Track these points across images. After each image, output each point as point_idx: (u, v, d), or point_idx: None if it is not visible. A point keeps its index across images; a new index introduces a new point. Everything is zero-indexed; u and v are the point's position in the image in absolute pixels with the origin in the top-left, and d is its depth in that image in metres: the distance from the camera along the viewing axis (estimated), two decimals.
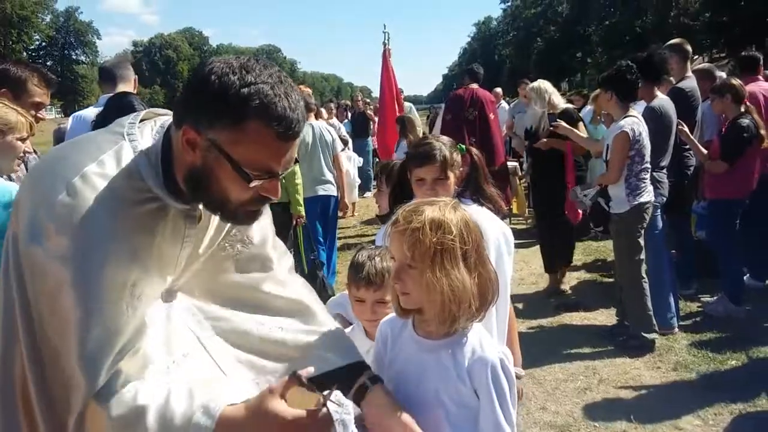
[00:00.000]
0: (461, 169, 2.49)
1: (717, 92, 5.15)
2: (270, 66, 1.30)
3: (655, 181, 4.72)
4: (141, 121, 1.45)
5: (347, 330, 2.18)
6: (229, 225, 1.55)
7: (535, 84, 6.10)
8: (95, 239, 1.28)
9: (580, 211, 5.71)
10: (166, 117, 1.47)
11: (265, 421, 1.28)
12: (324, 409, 1.31)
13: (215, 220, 1.50)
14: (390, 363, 1.68)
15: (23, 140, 2.64)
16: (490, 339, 1.62)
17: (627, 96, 4.65)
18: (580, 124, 5.79)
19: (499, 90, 12.21)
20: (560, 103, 5.98)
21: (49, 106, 4.41)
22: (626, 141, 4.47)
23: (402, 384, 1.59)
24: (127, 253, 1.32)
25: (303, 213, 5.74)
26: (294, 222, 5.73)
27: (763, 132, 5.02)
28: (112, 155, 1.35)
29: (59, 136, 4.37)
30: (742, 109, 5.06)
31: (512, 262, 2.51)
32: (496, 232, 2.43)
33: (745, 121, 4.99)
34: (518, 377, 2.50)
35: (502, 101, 11.15)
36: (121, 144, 1.37)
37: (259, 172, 1.29)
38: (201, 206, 1.42)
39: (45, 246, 1.27)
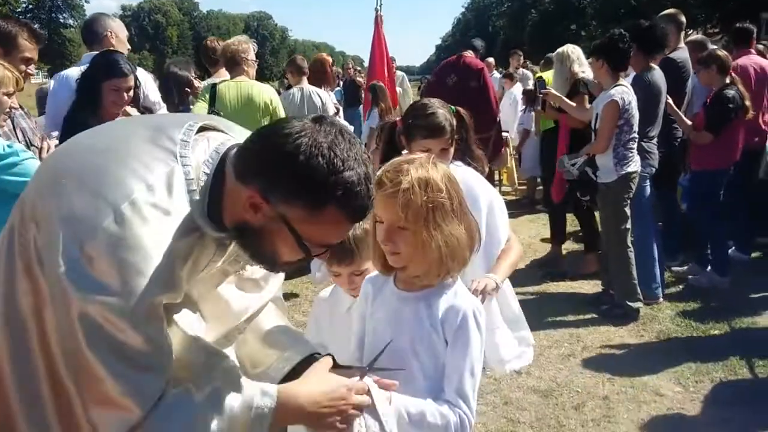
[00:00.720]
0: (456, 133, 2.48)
1: (703, 63, 5.12)
2: (354, 143, 1.26)
3: (643, 152, 4.72)
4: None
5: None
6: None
7: (561, 48, 5.83)
8: (140, 272, 1.20)
9: (561, 189, 5.69)
10: (220, 137, 1.39)
11: (321, 390, 1.40)
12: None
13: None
14: (370, 317, 1.71)
15: (9, 95, 2.60)
16: (465, 290, 1.66)
17: (618, 65, 4.62)
18: (585, 96, 5.63)
19: (491, 60, 12.11)
20: (580, 72, 5.63)
21: (36, 70, 4.34)
22: (615, 110, 4.46)
23: (379, 336, 1.62)
24: (167, 285, 1.26)
25: None
26: None
27: (748, 103, 5.01)
28: (162, 180, 1.26)
29: (41, 96, 4.29)
30: (728, 81, 5.05)
31: (506, 217, 2.50)
32: (486, 191, 2.45)
33: (731, 92, 4.97)
34: (494, 280, 2.38)
35: (495, 71, 11.05)
36: (172, 168, 1.28)
37: (320, 249, 1.31)
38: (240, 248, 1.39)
39: (86, 274, 1.18)
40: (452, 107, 2.53)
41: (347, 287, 2.09)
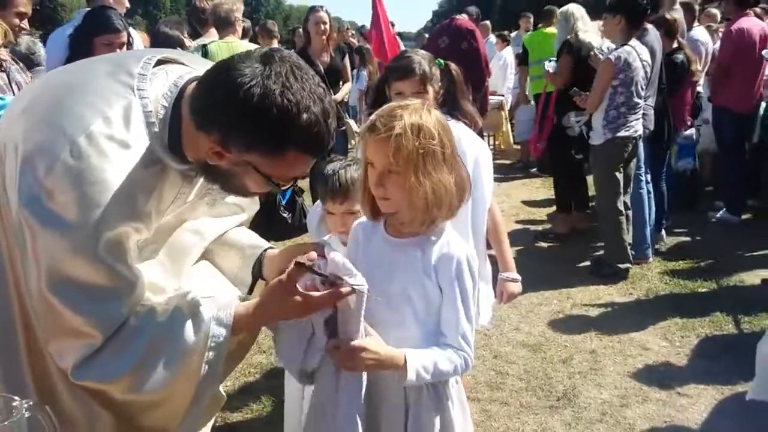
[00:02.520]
0: (440, 84, 2.49)
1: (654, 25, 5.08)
2: (306, 80, 1.27)
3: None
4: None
5: (326, 237, 2.25)
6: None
7: (565, 6, 5.74)
8: (100, 205, 1.24)
9: (539, 146, 5.76)
10: (180, 70, 1.41)
11: (284, 304, 1.43)
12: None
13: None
14: (360, 263, 1.70)
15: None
16: (458, 238, 1.66)
17: (636, 22, 4.56)
18: (569, 59, 5.57)
19: (487, 23, 11.99)
20: (585, 33, 5.48)
21: (28, 35, 4.29)
22: (609, 68, 4.45)
23: (371, 282, 1.62)
24: (130, 216, 1.30)
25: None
26: None
27: (694, 67, 5.12)
28: (120, 113, 1.29)
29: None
30: (675, 45, 5.11)
31: (491, 176, 2.55)
32: (474, 146, 2.47)
33: (679, 57, 5.08)
34: (514, 281, 2.61)
35: (491, 35, 10.91)
36: (130, 101, 1.30)
37: (286, 183, 1.37)
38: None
39: (45, 208, 1.22)
40: (440, 61, 2.55)
41: (339, 228, 2.13)
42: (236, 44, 4.71)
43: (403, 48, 11.51)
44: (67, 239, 1.23)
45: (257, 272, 1.72)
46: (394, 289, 1.59)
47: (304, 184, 7.71)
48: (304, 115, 1.24)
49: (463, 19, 6.53)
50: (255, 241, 1.78)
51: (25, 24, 2.91)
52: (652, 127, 4.88)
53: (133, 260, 1.34)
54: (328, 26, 5.27)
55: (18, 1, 2.86)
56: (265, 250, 1.74)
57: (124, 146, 1.27)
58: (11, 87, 2.87)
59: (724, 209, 5.84)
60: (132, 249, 1.33)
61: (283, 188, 1.38)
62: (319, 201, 2.64)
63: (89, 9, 3.65)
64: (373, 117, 1.55)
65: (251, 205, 1.84)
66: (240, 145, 1.26)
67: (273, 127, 1.23)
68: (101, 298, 1.28)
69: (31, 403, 1.11)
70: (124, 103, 1.29)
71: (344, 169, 2.10)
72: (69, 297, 1.26)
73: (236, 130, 1.24)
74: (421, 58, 2.44)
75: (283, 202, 5.39)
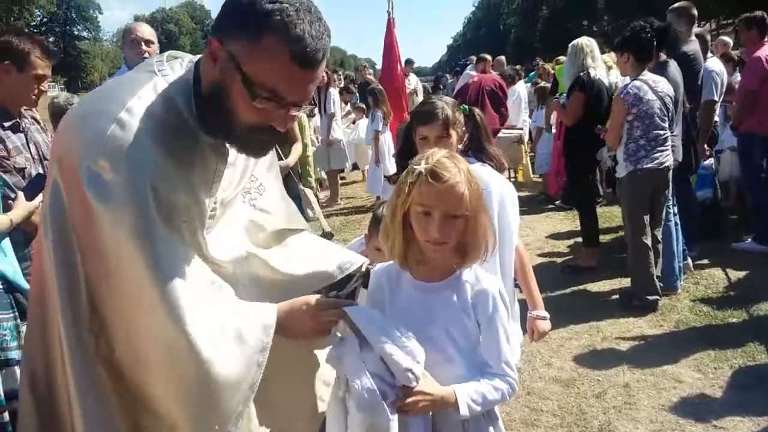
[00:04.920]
0: (463, 128, 2.58)
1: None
2: (313, 10, 1.30)
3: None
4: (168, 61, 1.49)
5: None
6: (251, 168, 1.66)
7: (576, 40, 5.84)
8: (147, 170, 1.32)
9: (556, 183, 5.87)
10: (194, 57, 1.52)
11: (299, 312, 1.56)
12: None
13: (239, 161, 1.59)
14: (393, 309, 1.74)
15: None
16: (483, 271, 1.73)
17: (643, 57, 4.66)
18: (581, 96, 5.66)
19: (502, 58, 12.18)
20: (594, 66, 5.59)
21: (53, 83, 4.38)
22: (618, 105, 4.58)
23: (410, 327, 1.66)
24: (179, 180, 1.38)
25: (313, 185, 5.84)
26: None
27: None
28: (150, 89, 1.39)
29: (55, 111, 4.26)
30: None
31: (517, 214, 2.62)
32: (499, 186, 2.55)
33: None
34: (543, 318, 2.66)
35: (519, 83, 10.45)
36: (154, 80, 1.41)
37: (267, 93, 1.30)
38: (221, 136, 1.45)
39: (104, 183, 1.30)
40: (464, 106, 2.65)
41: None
42: None
43: (411, 78, 11.84)
44: (123, 209, 1.31)
45: None
46: (436, 332, 1.65)
47: (334, 222, 7.88)
48: (289, 6, 1.26)
49: (487, 77, 6.91)
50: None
51: (45, 86, 2.95)
52: (680, 159, 4.92)
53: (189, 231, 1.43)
54: None
55: (36, 64, 2.88)
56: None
57: (158, 117, 1.36)
58: (29, 147, 2.89)
59: (751, 238, 5.82)
60: (186, 219, 1.41)
61: (260, 99, 1.30)
62: (357, 239, 2.72)
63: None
64: (425, 166, 1.60)
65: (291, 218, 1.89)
66: (228, 34, 1.30)
67: (255, 10, 1.26)
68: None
69: None
70: (150, 82, 1.41)
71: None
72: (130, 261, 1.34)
73: (227, 18, 1.31)
74: (444, 104, 2.53)
75: None
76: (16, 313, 2.48)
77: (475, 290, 1.68)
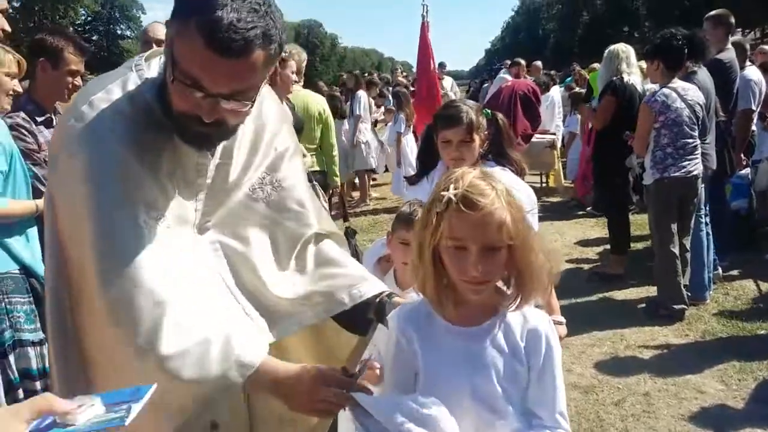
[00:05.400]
0: (486, 132, 2.60)
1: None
2: None
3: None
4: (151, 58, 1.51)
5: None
6: (257, 164, 1.60)
7: (613, 46, 5.80)
8: (101, 158, 1.35)
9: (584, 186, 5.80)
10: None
11: (300, 387, 1.36)
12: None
13: (240, 154, 1.56)
14: (425, 362, 1.44)
15: (11, 77, 2.68)
16: (529, 306, 1.45)
17: (673, 65, 4.62)
18: (612, 99, 5.61)
19: (539, 63, 12.11)
20: (629, 72, 5.56)
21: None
22: (645, 112, 4.55)
23: (450, 383, 1.40)
24: (136, 171, 1.37)
25: (338, 183, 5.91)
26: (330, 191, 5.91)
27: None
28: (118, 84, 1.42)
29: None
30: None
31: (536, 222, 2.62)
32: (518, 191, 2.55)
33: None
34: (560, 323, 2.65)
35: (554, 89, 10.44)
36: (128, 75, 1.44)
37: (188, 80, 1.27)
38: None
39: (58, 170, 1.41)
40: (487, 111, 2.66)
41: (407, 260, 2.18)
42: (302, 94, 4.97)
43: (448, 81, 11.87)
44: (76, 193, 1.35)
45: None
46: (487, 387, 1.38)
47: (362, 222, 7.96)
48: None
49: (520, 82, 6.93)
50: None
51: (78, 81, 3.03)
52: (713, 167, 4.86)
53: (149, 226, 1.39)
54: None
55: (70, 60, 2.96)
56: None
57: (120, 110, 1.39)
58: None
59: None
60: (145, 213, 1.39)
61: (178, 82, 1.28)
62: (378, 240, 2.74)
63: None
64: (454, 191, 1.33)
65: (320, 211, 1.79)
66: (174, 13, 1.29)
67: None
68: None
69: None
70: (122, 77, 1.43)
71: (422, 205, 2.21)
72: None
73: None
74: (468, 108, 2.55)
75: None
76: (31, 298, 2.59)
77: (525, 331, 1.42)
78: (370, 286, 1.66)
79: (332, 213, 5.80)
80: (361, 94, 9.50)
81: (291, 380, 1.38)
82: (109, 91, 1.41)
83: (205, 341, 1.35)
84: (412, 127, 8.47)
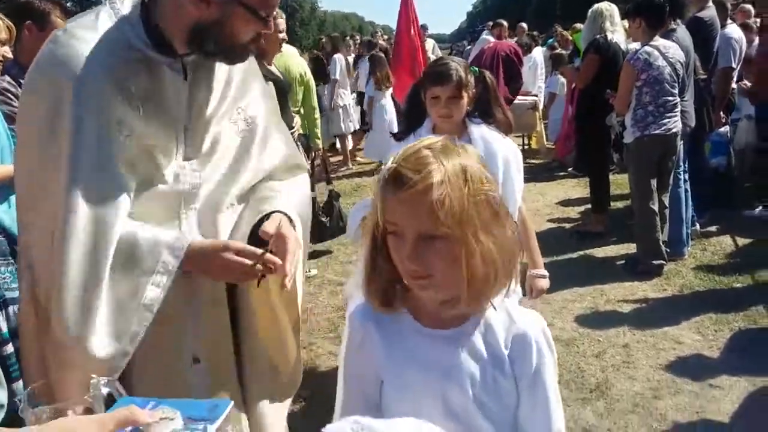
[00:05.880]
0: (473, 90, 2.60)
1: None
2: None
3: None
4: None
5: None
6: (229, 96, 1.66)
7: (597, 5, 5.78)
8: (80, 75, 1.41)
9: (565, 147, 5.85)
10: None
11: (216, 255, 1.50)
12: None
13: (215, 82, 1.62)
14: (384, 363, 1.23)
15: (1, 43, 2.65)
16: (516, 306, 1.26)
17: (655, 23, 4.62)
18: (595, 58, 5.62)
19: (523, 24, 12.03)
20: (612, 30, 5.56)
21: None
22: (627, 70, 4.58)
23: (418, 394, 1.20)
24: (109, 91, 1.44)
25: (320, 146, 5.92)
26: (312, 154, 5.90)
27: None
28: (92, 16, 1.50)
29: None
30: None
31: (521, 180, 2.65)
32: (504, 149, 2.57)
33: None
34: (543, 277, 2.70)
35: (536, 50, 10.57)
36: (100, 8, 1.52)
37: (267, 12, 1.47)
38: (196, 56, 1.54)
39: (31, 91, 1.48)
40: (475, 68, 2.67)
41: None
42: (284, 56, 4.93)
43: (429, 44, 11.81)
44: (48, 111, 1.43)
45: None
46: (458, 400, 1.18)
47: (345, 186, 7.96)
48: None
49: (503, 43, 6.92)
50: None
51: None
52: (692, 124, 4.91)
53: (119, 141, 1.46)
54: None
55: (56, 23, 2.86)
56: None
57: (93, 30, 1.46)
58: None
59: (761, 206, 5.81)
60: (117, 131, 1.45)
61: (268, 21, 1.49)
62: (362, 201, 2.76)
63: None
64: (389, 165, 1.13)
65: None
66: None
67: None
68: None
69: (107, 379, 1.26)
70: (96, 10, 1.52)
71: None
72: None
73: None
74: (457, 65, 2.55)
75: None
76: (13, 261, 2.60)
77: (510, 335, 1.21)
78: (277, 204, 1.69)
79: (314, 177, 5.81)
80: (338, 57, 9.45)
81: (211, 252, 1.51)
82: (82, 20, 1.49)
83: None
84: (388, 90, 8.44)
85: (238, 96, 1.69)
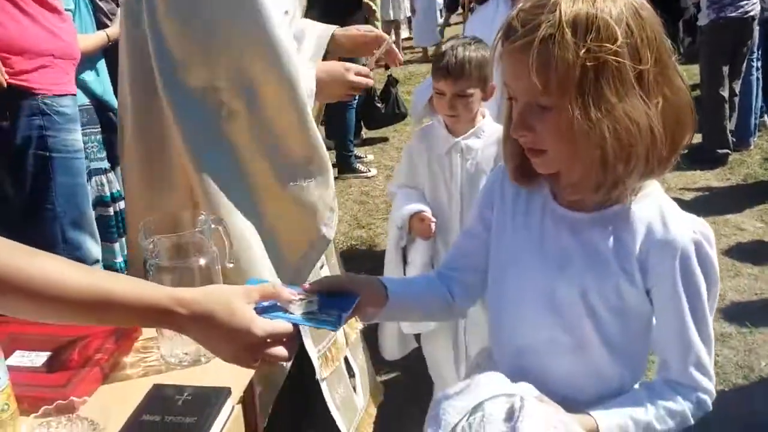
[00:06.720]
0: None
1: None
2: None
3: None
4: None
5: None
6: None
7: None
8: None
9: None
10: None
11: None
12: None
13: None
14: (502, 232, 1.11)
15: None
16: (675, 208, 1.03)
17: None
18: None
19: None
20: None
21: None
22: None
23: (525, 278, 1.06)
24: None
25: (378, 26, 5.88)
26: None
27: None
28: None
29: None
30: None
31: None
32: None
33: None
34: None
35: None
36: None
37: None
38: None
39: None
40: None
41: (447, 112, 1.95)
42: None
43: None
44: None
45: None
46: (566, 292, 1.01)
47: (398, 74, 7.85)
48: None
49: None
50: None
51: None
52: None
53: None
54: None
55: None
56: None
57: None
58: None
59: None
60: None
61: None
62: (426, 80, 2.59)
63: None
64: (512, 13, 0.93)
65: None
66: None
67: None
68: None
69: (213, 217, 1.32)
70: None
71: (462, 46, 1.90)
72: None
73: None
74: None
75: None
76: (100, 128, 2.73)
77: (654, 239, 0.98)
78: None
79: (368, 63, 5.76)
80: None
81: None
82: None
83: None
84: None
85: None
